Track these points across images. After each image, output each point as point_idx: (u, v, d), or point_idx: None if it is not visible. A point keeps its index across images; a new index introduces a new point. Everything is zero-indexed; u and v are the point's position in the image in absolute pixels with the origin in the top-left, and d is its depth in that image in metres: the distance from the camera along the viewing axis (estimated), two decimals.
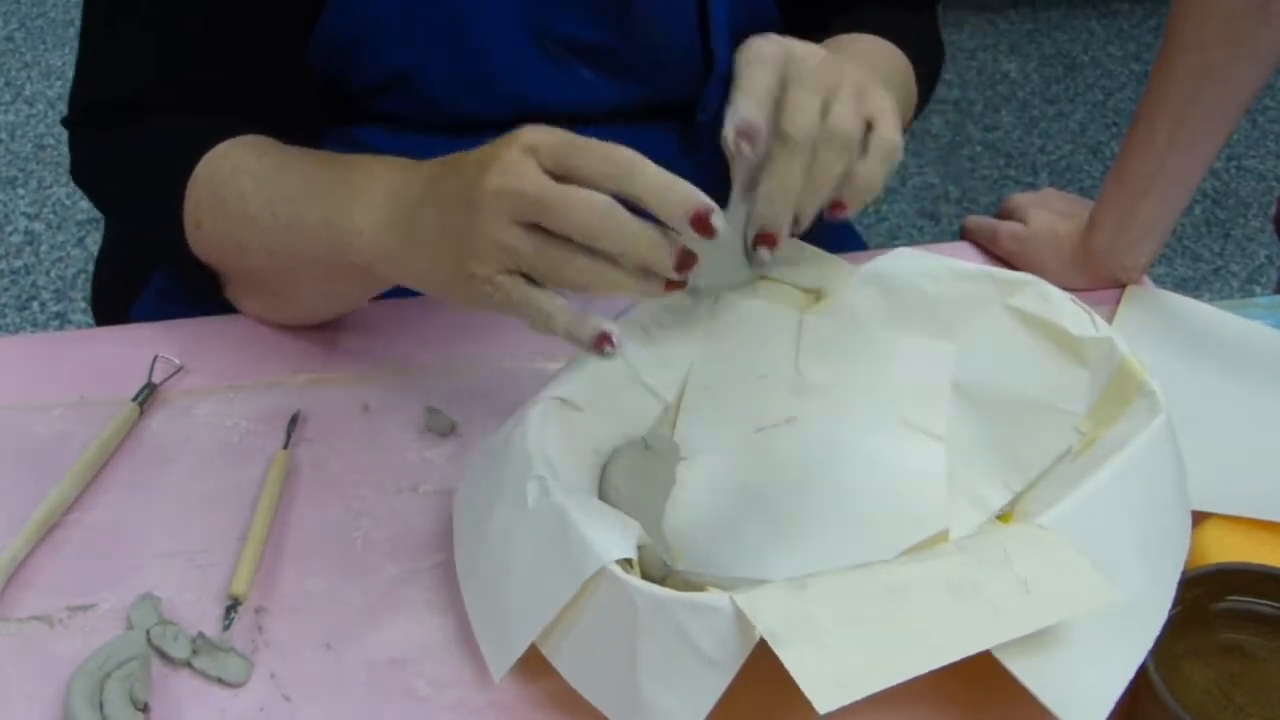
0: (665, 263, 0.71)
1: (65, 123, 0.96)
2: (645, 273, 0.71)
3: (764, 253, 0.79)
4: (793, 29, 0.96)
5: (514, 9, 0.93)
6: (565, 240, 0.70)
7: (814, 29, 0.97)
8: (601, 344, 0.72)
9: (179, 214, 0.88)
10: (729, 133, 0.76)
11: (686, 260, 0.71)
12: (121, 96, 0.92)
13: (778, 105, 0.77)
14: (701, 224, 0.69)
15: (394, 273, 0.79)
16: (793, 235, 0.80)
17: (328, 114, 0.97)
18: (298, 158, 0.86)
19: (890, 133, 0.79)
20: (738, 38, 0.96)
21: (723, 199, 0.74)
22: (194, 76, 0.91)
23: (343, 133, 0.97)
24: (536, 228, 0.70)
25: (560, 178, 0.70)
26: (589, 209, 0.69)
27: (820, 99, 0.77)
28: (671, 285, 0.72)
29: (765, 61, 0.77)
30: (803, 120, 0.76)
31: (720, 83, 1.00)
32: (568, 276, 0.71)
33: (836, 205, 0.79)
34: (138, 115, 0.92)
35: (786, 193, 0.77)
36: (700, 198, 0.69)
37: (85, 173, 0.96)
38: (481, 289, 0.72)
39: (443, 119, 0.96)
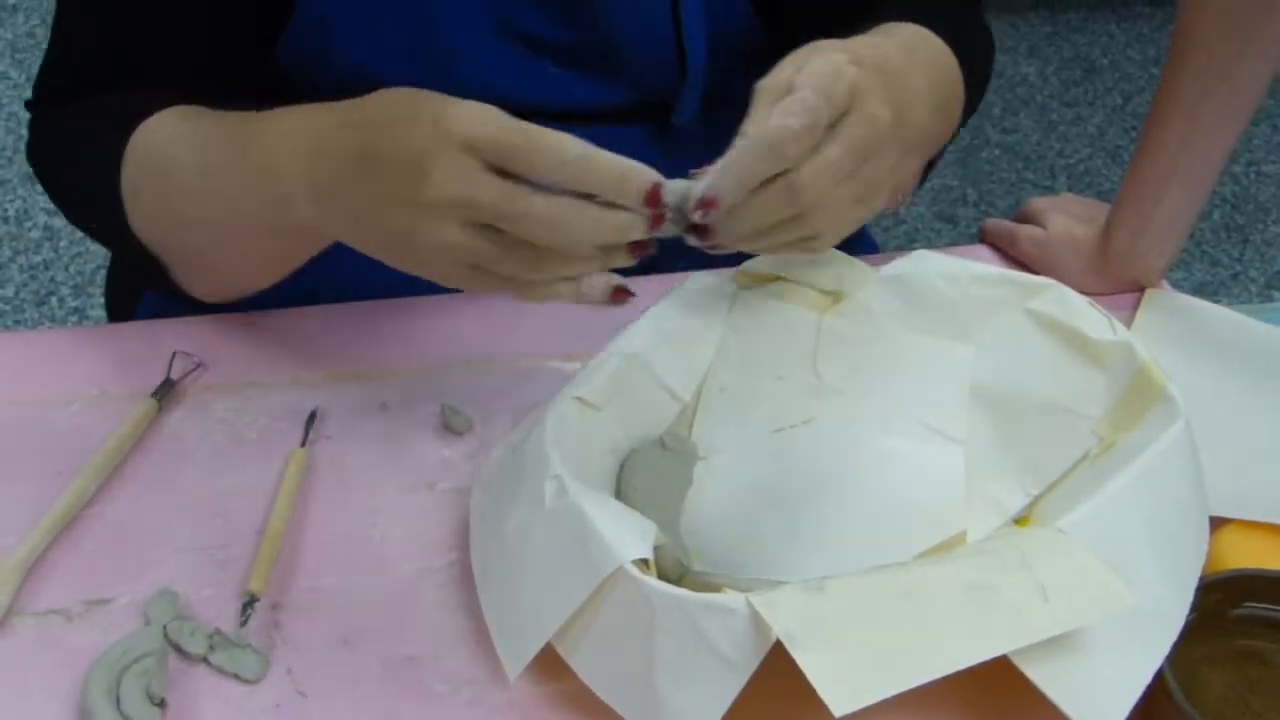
0: (639, 232, 0.70)
1: (27, 105, 0.94)
2: (608, 249, 0.70)
3: (698, 215, 0.73)
4: (774, 31, 0.95)
5: (473, 11, 0.92)
6: (519, 240, 0.69)
7: (803, 30, 0.91)
8: (620, 296, 0.72)
9: (116, 188, 0.85)
10: (693, 196, 0.72)
11: (656, 223, 0.70)
12: (77, 80, 0.91)
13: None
14: (654, 200, 0.69)
15: (330, 236, 0.76)
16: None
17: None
18: (224, 120, 0.83)
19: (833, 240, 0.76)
20: (714, 38, 0.95)
21: None
22: (155, 67, 0.89)
23: None
24: (489, 227, 0.69)
25: (506, 174, 0.68)
26: (553, 218, 0.68)
27: (853, 164, 0.73)
28: (636, 248, 0.71)
29: (833, 100, 0.72)
30: (818, 187, 0.72)
31: (696, 85, 0.98)
32: (533, 278, 0.70)
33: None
34: (83, 96, 0.90)
35: (745, 225, 0.74)
36: (648, 175, 0.69)
37: (34, 157, 0.94)
38: (447, 281, 0.71)
39: None
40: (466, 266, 0.70)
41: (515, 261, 0.70)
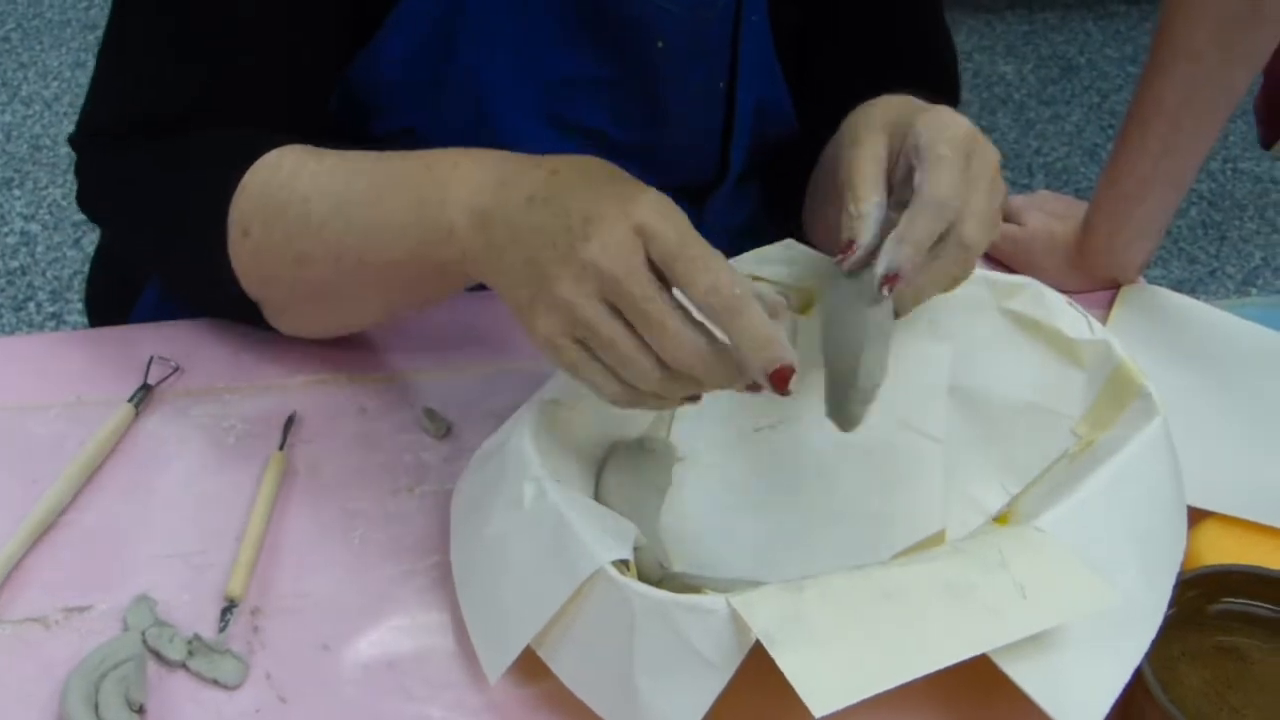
0: (740, 388, 0.69)
1: (74, 144, 0.92)
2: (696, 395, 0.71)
3: (885, 290, 0.74)
4: (811, 139, 0.98)
5: (533, 99, 0.94)
6: (637, 337, 0.68)
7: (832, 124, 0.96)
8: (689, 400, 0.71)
9: (222, 226, 0.83)
10: (878, 273, 0.73)
11: (757, 389, 0.69)
12: (141, 122, 0.88)
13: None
14: (782, 380, 0.67)
15: (484, 278, 0.75)
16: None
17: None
18: (361, 157, 0.82)
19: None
20: (756, 139, 1.01)
21: None
22: (220, 106, 0.87)
23: None
24: (617, 315, 0.68)
25: (659, 272, 0.68)
26: (682, 342, 0.67)
27: (993, 208, 0.76)
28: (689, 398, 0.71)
29: (960, 148, 0.74)
30: (982, 237, 0.74)
31: (731, 180, 1.03)
32: (626, 378, 0.69)
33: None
34: (161, 138, 0.87)
35: (919, 253, 0.74)
36: (788, 356, 0.67)
37: (99, 197, 0.91)
38: (545, 344, 0.70)
39: None
40: (574, 338, 0.69)
41: (620, 357, 0.69)
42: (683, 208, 1.02)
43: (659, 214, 0.68)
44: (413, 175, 0.78)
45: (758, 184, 1.08)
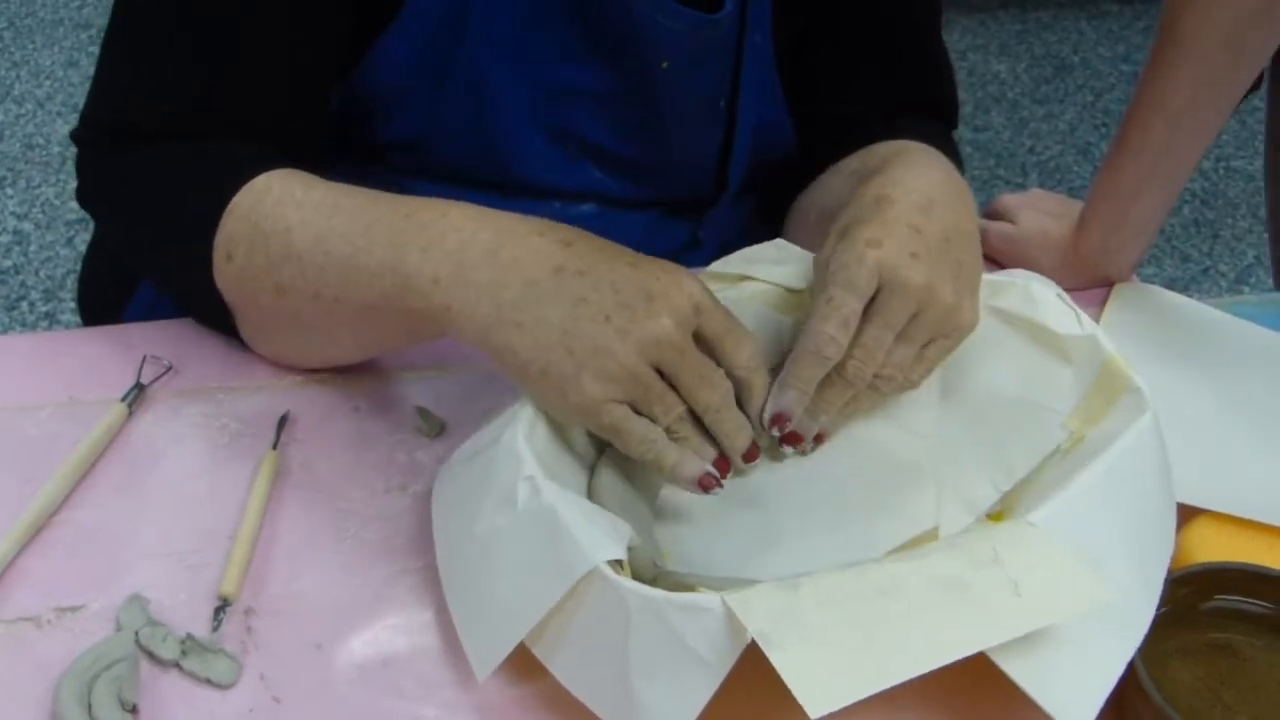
0: (737, 449, 0.78)
1: (75, 139, 0.92)
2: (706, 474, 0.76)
3: (786, 449, 0.82)
4: (807, 156, 1.01)
5: (535, 109, 0.94)
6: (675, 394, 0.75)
7: (833, 156, 0.99)
8: (708, 484, 0.76)
9: (208, 245, 0.83)
10: (767, 414, 0.79)
11: (752, 454, 0.79)
12: (143, 120, 0.88)
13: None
14: (781, 423, 0.79)
15: (471, 334, 0.75)
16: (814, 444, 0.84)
17: (335, 156, 0.95)
18: (350, 193, 0.82)
19: (921, 380, 0.82)
20: (755, 157, 1.02)
21: None
22: (221, 107, 0.87)
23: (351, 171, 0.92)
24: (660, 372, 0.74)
25: (698, 337, 0.76)
26: (728, 403, 0.77)
27: (893, 336, 0.79)
28: (706, 482, 0.77)
29: (858, 293, 0.78)
30: (865, 370, 0.79)
31: (729, 196, 1.04)
32: (677, 434, 0.76)
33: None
34: (162, 138, 0.88)
35: (826, 415, 0.81)
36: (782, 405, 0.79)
37: (97, 194, 0.91)
38: (593, 406, 0.73)
39: (447, 175, 0.96)
40: (620, 403, 0.74)
41: (677, 418, 0.76)
42: (681, 222, 1.04)
43: (706, 291, 0.76)
44: (397, 214, 0.78)
45: (754, 198, 1.08)
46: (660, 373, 0.74)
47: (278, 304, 0.83)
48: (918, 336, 0.79)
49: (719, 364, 0.77)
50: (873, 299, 0.78)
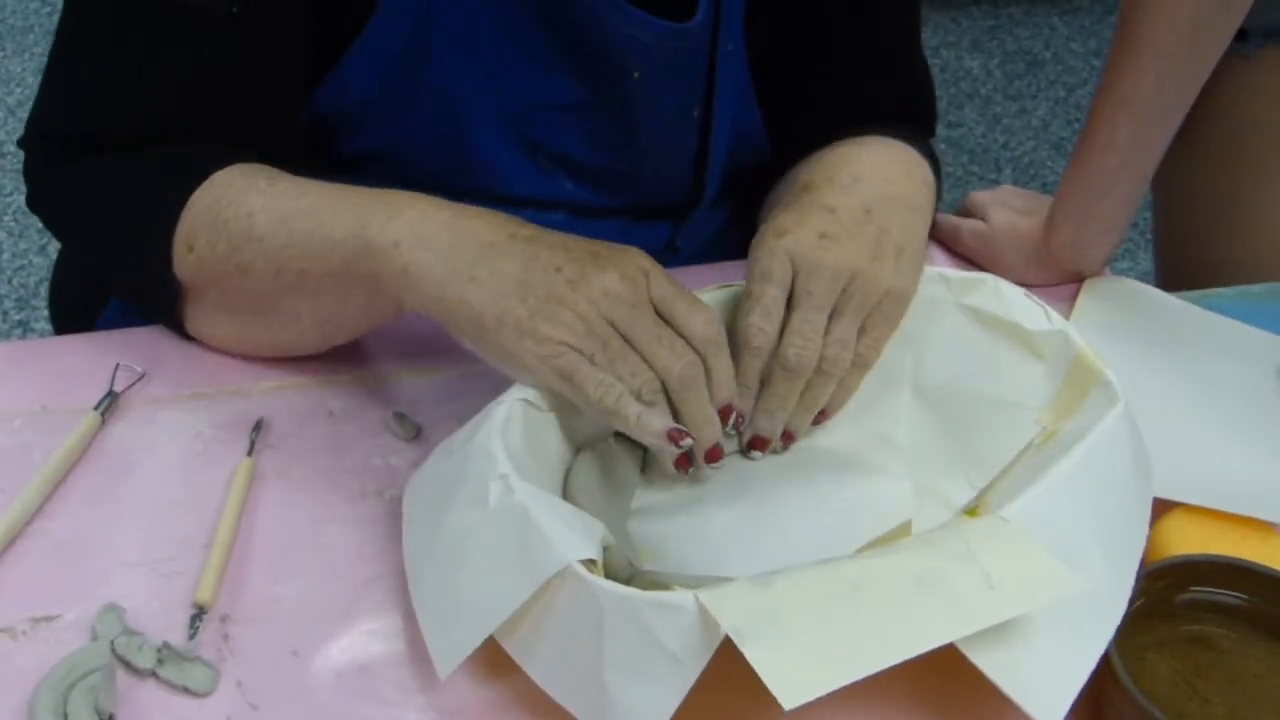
0: (703, 442, 0.78)
1: (23, 145, 0.91)
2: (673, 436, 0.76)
3: (755, 453, 0.84)
4: (782, 161, 1.02)
5: (504, 123, 0.95)
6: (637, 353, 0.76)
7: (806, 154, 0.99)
8: (676, 437, 0.76)
9: (168, 240, 0.84)
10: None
11: (715, 454, 0.79)
12: (95, 130, 0.88)
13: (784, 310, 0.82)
14: (725, 414, 0.79)
15: (426, 294, 0.77)
16: (784, 444, 0.85)
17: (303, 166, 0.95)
18: (314, 182, 0.84)
19: (874, 355, 0.84)
20: (730, 163, 1.03)
21: None
22: (180, 118, 0.87)
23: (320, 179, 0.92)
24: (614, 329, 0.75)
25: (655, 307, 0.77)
26: (678, 357, 0.76)
27: (825, 317, 0.81)
28: (682, 462, 0.78)
29: (773, 281, 0.81)
30: (805, 353, 0.81)
31: (707, 209, 1.05)
32: (631, 385, 0.75)
33: (820, 414, 0.84)
34: (115, 149, 0.87)
35: (783, 411, 0.82)
36: (731, 396, 0.79)
37: (48, 200, 0.91)
38: (549, 350, 0.74)
39: (416, 185, 0.96)
40: (573, 349, 0.75)
41: (631, 365, 0.75)
42: (657, 228, 1.05)
43: (652, 260, 0.77)
44: (363, 192, 0.81)
45: (729, 202, 1.08)
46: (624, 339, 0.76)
47: (239, 285, 0.84)
48: (849, 311, 0.82)
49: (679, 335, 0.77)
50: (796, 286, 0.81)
